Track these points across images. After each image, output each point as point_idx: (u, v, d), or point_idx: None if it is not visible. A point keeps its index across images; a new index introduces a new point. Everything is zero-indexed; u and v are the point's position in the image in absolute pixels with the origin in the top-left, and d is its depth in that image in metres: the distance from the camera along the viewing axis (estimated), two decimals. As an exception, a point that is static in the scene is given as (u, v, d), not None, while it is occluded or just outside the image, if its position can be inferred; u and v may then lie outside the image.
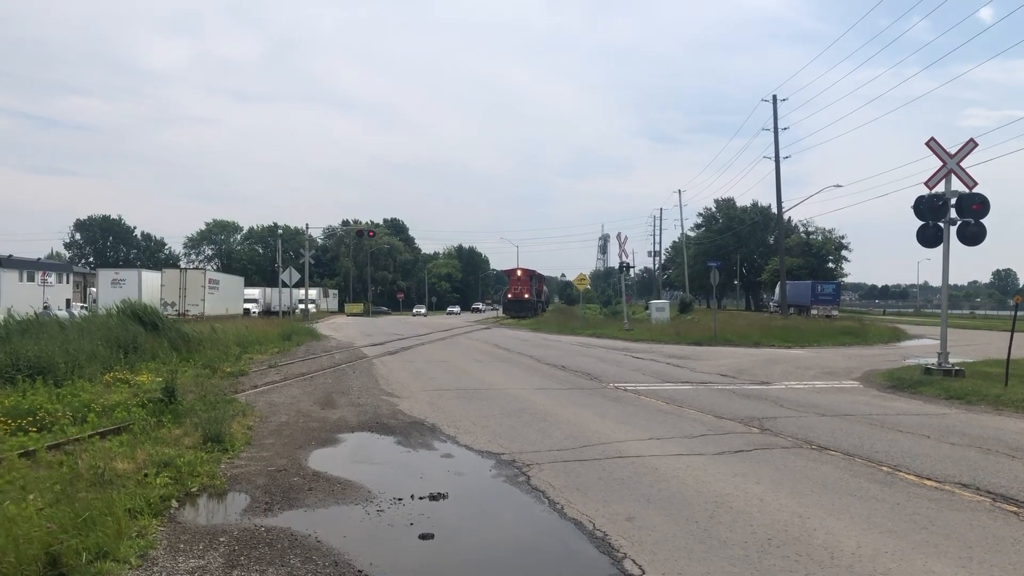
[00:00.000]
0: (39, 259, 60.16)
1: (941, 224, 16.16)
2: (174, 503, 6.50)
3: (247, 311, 59.89)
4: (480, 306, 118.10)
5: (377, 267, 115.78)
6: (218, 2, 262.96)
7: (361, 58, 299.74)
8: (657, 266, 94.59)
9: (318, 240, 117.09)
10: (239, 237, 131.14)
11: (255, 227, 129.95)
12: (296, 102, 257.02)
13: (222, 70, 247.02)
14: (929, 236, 16.38)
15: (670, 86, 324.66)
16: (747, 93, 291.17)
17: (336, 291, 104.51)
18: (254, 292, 71.52)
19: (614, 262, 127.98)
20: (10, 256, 50.14)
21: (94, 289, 55.84)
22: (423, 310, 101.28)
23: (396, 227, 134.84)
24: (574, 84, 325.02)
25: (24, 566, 4.61)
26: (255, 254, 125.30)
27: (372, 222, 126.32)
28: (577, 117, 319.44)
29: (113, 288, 45.79)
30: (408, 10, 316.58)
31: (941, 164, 16.03)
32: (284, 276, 47.59)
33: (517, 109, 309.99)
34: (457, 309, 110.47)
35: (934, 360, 17.11)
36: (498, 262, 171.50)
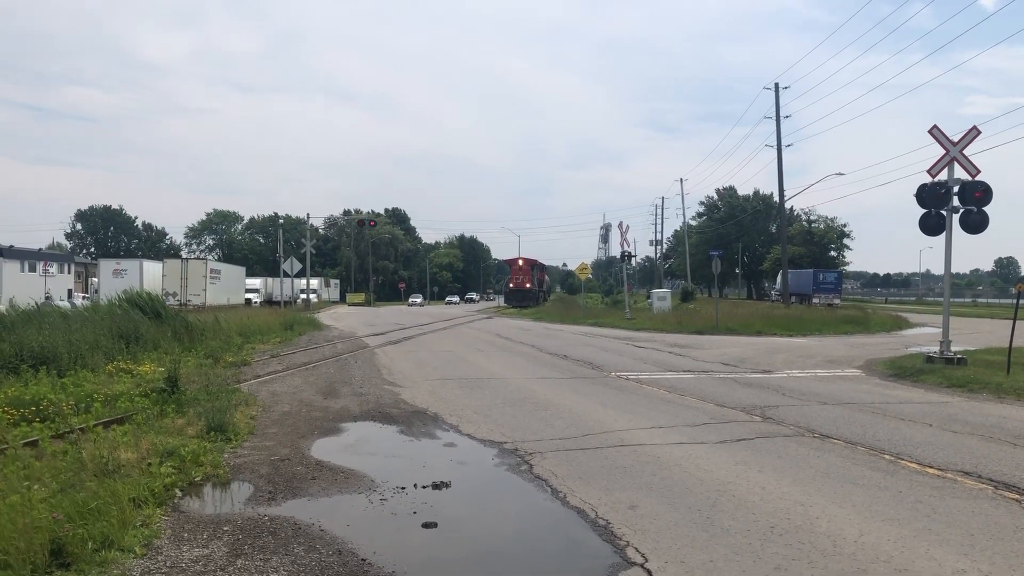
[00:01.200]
0: (40, 249, 60.29)
1: (944, 212, 16.13)
2: (178, 492, 6.53)
3: (249, 301, 60.03)
4: (474, 296, 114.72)
5: (378, 257, 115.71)
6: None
7: (362, 49, 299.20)
8: (659, 255, 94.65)
9: (319, 230, 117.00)
10: (240, 227, 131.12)
11: (256, 217, 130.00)
12: (297, 93, 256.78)
13: (222, 61, 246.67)
14: (931, 224, 16.34)
15: (671, 76, 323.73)
16: (748, 82, 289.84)
17: (338, 281, 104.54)
18: (256, 282, 71.68)
19: (616, 251, 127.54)
20: (11, 246, 50.19)
21: (95, 279, 55.92)
22: (419, 299, 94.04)
23: (397, 217, 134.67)
24: (575, 74, 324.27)
25: (30, 554, 4.63)
26: (256, 244, 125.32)
27: (373, 212, 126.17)
28: (578, 107, 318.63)
29: (115, 278, 45.86)
30: (410, 1, 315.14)
31: (944, 152, 15.96)
32: (285, 266, 47.63)
33: (518, 99, 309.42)
34: (456, 299, 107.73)
35: (936, 348, 17.10)
36: (500, 251, 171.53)
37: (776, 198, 55.46)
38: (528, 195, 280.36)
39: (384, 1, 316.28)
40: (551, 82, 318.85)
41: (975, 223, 15.85)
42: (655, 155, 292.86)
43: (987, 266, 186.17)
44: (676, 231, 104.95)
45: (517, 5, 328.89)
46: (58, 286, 50.06)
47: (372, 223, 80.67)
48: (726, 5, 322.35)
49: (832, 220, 79.01)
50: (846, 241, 79.33)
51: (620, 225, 63.36)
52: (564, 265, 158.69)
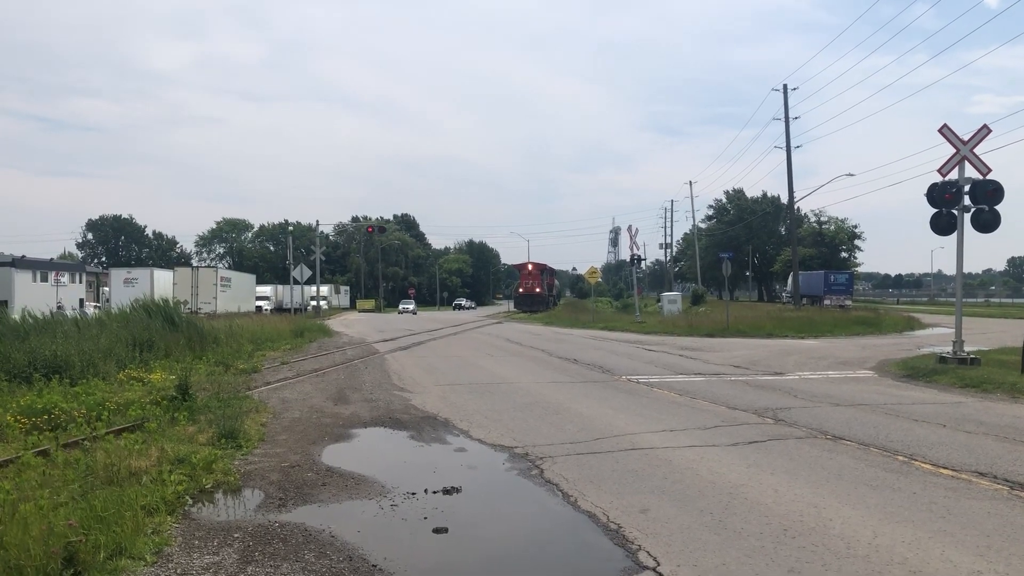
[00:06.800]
0: (52, 259, 60.50)
1: (955, 211, 16.02)
2: (189, 500, 6.53)
3: (259, 308, 60.14)
4: (463, 302, 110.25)
5: (388, 263, 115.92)
6: (221, 4, 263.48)
7: (365, 56, 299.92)
8: (669, 258, 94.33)
9: (329, 237, 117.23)
10: (250, 235, 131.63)
11: (266, 225, 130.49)
12: (302, 101, 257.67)
13: (227, 70, 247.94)
14: (943, 224, 16.24)
15: (676, 78, 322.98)
16: (754, 84, 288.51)
17: (347, 287, 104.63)
18: (266, 289, 71.89)
19: (625, 255, 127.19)
20: (23, 256, 50.44)
21: (107, 288, 56.18)
22: (412, 306, 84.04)
23: (407, 223, 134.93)
24: (579, 78, 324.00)
25: (44, 562, 4.64)
26: (266, 252, 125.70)
27: (382, 218, 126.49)
28: (583, 111, 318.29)
29: (126, 287, 46.05)
30: (411, 8, 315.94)
31: (954, 151, 15.87)
32: (295, 273, 47.79)
33: (523, 104, 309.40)
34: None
35: (949, 349, 16.97)
36: (509, 256, 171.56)
37: (785, 199, 55.27)
38: (536, 199, 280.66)
39: (385, 9, 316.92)
40: (555, 85, 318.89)
41: (986, 222, 15.74)
42: (662, 157, 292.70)
43: (1000, 266, 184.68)
44: (686, 234, 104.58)
45: (519, 9, 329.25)
46: (70, 296, 50.25)
47: (381, 229, 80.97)
48: (729, 6, 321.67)
49: (843, 221, 78.70)
50: (857, 242, 78.99)
51: (629, 228, 63.06)
52: (574, 269, 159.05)
